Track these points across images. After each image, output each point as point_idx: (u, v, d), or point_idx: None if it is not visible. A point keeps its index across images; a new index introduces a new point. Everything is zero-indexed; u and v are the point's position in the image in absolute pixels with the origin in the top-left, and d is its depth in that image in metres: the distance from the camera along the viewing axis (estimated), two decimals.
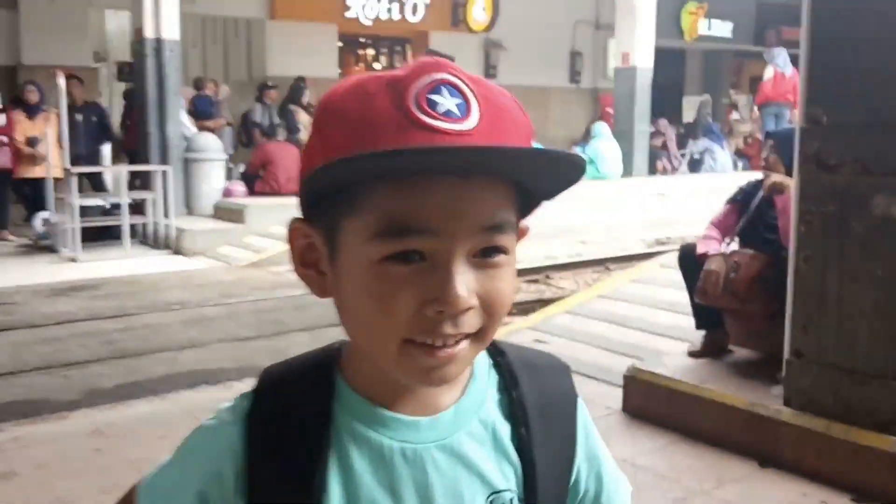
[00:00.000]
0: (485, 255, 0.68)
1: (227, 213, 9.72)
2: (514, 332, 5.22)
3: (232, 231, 9.31)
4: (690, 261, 4.07)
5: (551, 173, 0.69)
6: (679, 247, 4.39)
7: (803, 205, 3.22)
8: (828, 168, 3.10)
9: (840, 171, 3.07)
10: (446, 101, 0.66)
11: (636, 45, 13.15)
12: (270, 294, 7.14)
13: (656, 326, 5.00)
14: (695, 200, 10.78)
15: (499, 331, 0.75)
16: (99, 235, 9.06)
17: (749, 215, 4.05)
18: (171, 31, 9.72)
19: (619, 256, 9.29)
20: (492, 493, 0.75)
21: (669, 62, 18.70)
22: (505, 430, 0.77)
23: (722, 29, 18.24)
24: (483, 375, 0.78)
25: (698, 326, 4.15)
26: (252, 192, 10.14)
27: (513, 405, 0.78)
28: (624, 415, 3.91)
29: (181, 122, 10.58)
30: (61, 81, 8.67)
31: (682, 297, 4.29)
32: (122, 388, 4.48)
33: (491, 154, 0.66)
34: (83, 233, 8.66)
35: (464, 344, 0.69)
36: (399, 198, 0.65)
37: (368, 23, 15.49)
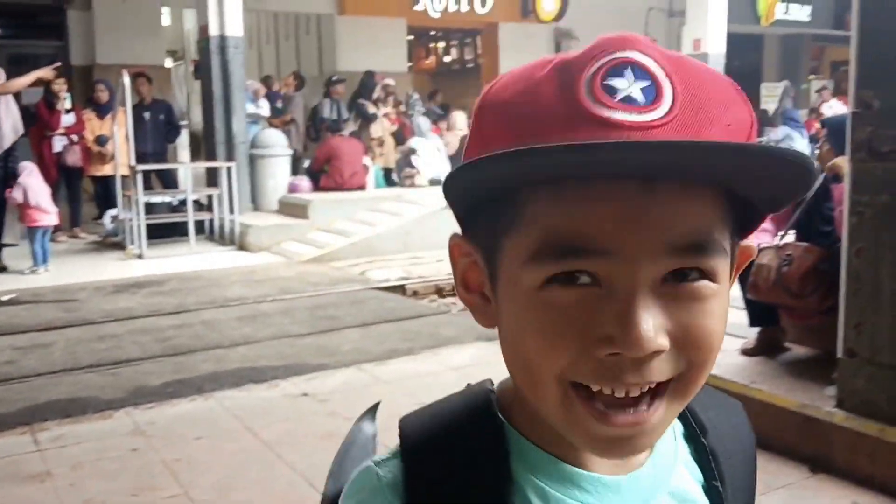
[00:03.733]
0: (680, 280, 0.52)
1: (291, 208, 9.81)
2: None
3: (296, 226, 9.39)
4: None
5: (770, 176, 0.51)
6: None
7: (855, 195, 2.99)
8: (880, 155, 2.87)
9: (893, 159, 2.83)
10: (628, 86, 0.51)
11: (708, 31, 12.77)
12: (328, 289, 7.17)
13: None
14: None
15: None
16: (167, 232, 9.26)
17: (805, 206, 3.81)
18: (234, 28, 9.87)
19: None
20: None
21: (746, 48, 18.10)
22: (698, 485, 0.65)
23: (800, 13, 17.52)
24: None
25: (752, 323, 3.94)
26: (317, 187, 10.22)
27: (703, 456, 0.65)
28: None
29: (258, 106, 10.88)
30: (126, 80, 8.88)
31: (738, 291, 4.08)
32: (168, 387, 4.52)
33: (679, 151, 0.49)
34: (152, 229, 8.86)
35: (658, 407, 0.53)
36: (562, 210, 0.51)
37: (437, 15, 15.46)
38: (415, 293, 7.35)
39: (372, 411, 0.83)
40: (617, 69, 0.52)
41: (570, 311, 0.51)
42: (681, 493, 0.63)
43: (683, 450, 0.65)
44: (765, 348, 3.87)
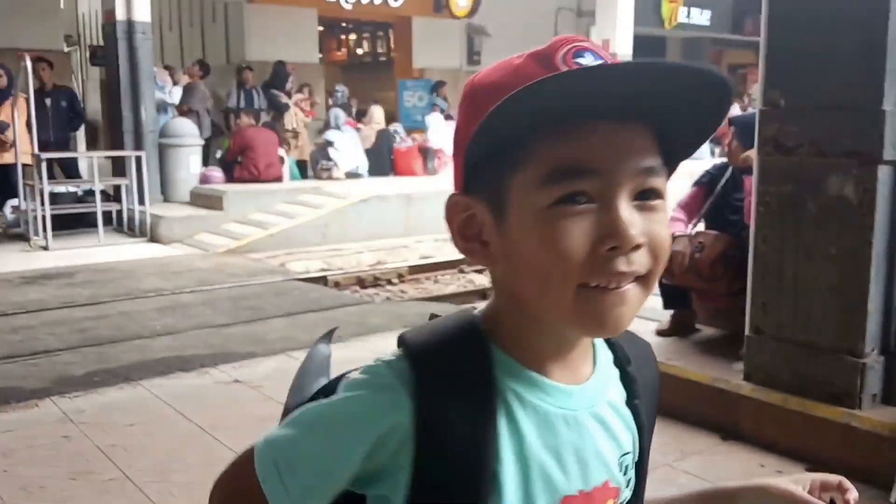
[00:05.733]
0: (643, 198, 0.71)
1: (204, 199, 9.68)
2: None
3: (210, 218, 9.28)
4: None
5: (698, 105, 0.72)
6: None
7: (762, 186, 3.27)
8: (785, 150, 3.15)
9: (797, 153, 3.12)
10: (591, 62, 0.70)
11: (616, 32, 13.21)
12: (248, 281, 7.15)
13: None
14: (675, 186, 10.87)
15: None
16: (72, 223, 8.97)
17: (714, 197, 4.10)
18: (142, 13, 9.63)
19: None
20: (622, 455, 0.82)
21: (650, 50, 18.75)
22: (623, 400, 0.83)
23: (700, 17, 18.32)
24: (603, 350, 0.84)
25: (666, 306, 4.21)
26: (231, 178, 10.10)
27: (628, 379, 0.84)
28: None
29: (168, 93, 10.63)
30: (28, 64, 8.56)
31: None
32: (93, 376, 4.47)
33: (642, 71, 0.69)
34: (57, 221, 8.56)
35: (634, 285, 0.71)
36: (563, 143, 0.68)
37: (349, 6, 15.36)
38: (336, 284, 7.41)
39: (328, 335, 0.98)
40: (579, 52, 0.71)
41: (577, 220, 0.69)
42: (614, 404, 0.82)
43: (614, 373, 0.84)
44: (677, 329, 4.14)
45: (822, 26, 3.02)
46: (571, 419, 0.77)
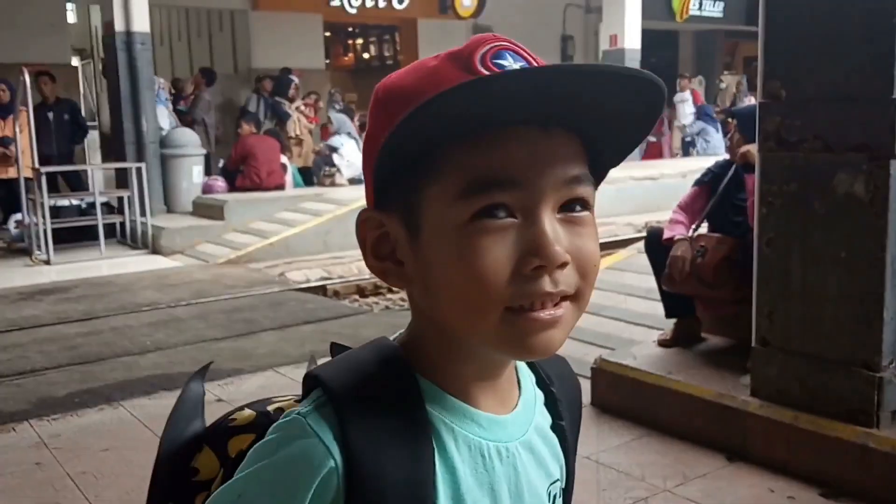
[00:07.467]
0: (569, 210, 0.66)
1: (206, 209, 9.54)
2: None
3: (211, 228, 9.13)
4: (657, 246, 3.89)
5: (628, 110, 0.66)
6: (646, 232, 4.20)
7: (764, 185, 3.03)
8: (788, 145, 2.91)
9: (800, 148, 2.88)
10: (512, 64, 0.64)
11: (624, 27, 13.00)
12: (245, 292, 6.98)
13: (630, 314, 4.81)
14: (687, 183, 10.60)
15: None
16: (76, 236, 8.91)
17: (717, 197, 3.86)
18: (141, 23, 9.55)
19: (605, 242, 9.13)
20: (551, 483, 0.77)
21: (662, 44, 18.49)
22: (548, 423, 0.78)
23: (713, 9, 17.98)
24: (526, 372, 0.79)
25: (668, 315, 3.97)
26: (233, 187, 9.96)
27: (551, 400, 0.79)
28: (592, 408, 3.74)
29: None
30: (27, 78, 8.49)
31: (654, 283, 4.11)
32: (74, 397, 4.32)
33: (561, 75, 0.63)
34: (59, 234, 8.51)
35: (566, 305, 0.66)
36: (480, 153, 0.63)
37: (354, 11, 15.27)
38: (336, 294, 7.22)
39: (202, 372, 0.91)
40: (499, 53, 0.65)
41: (498, 237, 0.63)
42: (541, 429, 0.76)
43: (539, 396, 0.78)
44: (681, 339, 3.90)
45: (826, 9, 2.78)
46: (504, 451, 0.71)
